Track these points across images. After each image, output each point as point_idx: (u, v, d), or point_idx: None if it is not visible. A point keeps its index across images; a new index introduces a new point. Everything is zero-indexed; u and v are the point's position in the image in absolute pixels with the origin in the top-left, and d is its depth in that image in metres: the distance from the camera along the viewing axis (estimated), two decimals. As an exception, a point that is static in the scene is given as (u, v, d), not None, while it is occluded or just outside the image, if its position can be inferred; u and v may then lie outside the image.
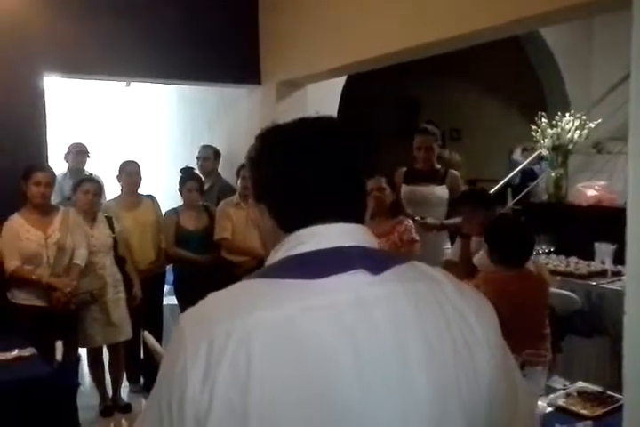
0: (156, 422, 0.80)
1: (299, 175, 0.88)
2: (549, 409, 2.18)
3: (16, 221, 3.50)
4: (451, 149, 6.07)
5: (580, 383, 2.39)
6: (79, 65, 4.23)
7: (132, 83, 6.84)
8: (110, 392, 4.03)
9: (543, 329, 2.67)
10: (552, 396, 2.26)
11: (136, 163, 4.34)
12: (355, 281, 0.81)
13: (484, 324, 0.85)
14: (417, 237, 3.57)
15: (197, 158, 5.14)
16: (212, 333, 0.76)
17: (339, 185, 0.89)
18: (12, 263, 3.42)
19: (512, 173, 6.00)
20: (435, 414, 0.79)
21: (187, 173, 4.55)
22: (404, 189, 4.08)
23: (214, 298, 0.85)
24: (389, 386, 0.77)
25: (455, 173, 4.08)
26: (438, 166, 4.10)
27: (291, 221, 0.88)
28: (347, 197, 0.90)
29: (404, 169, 4.18)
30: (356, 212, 0.91)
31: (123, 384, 4.15)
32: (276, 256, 0.88)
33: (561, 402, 2.21)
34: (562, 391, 2.31)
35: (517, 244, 2.68)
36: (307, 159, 0.88)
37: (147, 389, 4.16)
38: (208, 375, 0.74)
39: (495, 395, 0.84)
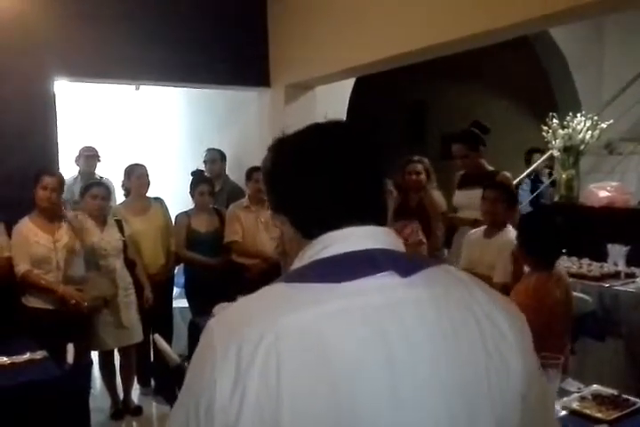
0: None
1: (317, 183, 0.87)
2: (563, 412, 2.15)
3: (25, 224, 3.51)
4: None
5: (595, 386, 2.36)
6: (89, 69, 4.25)
7: (141, 86, 6.87)
8: (121, 395, 4.03)
9: (567, 332, 2.66)
10: (566, 399, 2.23)
11: (143, 165, 4.34)
12: (384, 284, 0.80)
13: (514, 329, 0.84)
14: (424, 239, 3.56)
15: (204, 162, 5.15)
16: (241, 337, 0.75)
17: (359, 189, 0.88)
18: (22, 267, 3.44)
19: (521, 176, 5.97)
20: (466, 424, 0.78)
21: (198, 176, 4.55)
22: (457, 193, 4.13)
23: (243, 302, 0.84)
24: (421, 392, 0.76)
25: (506, 174, 3.99)
26: (490, 168, 4.05)
27: (314, 228, 0.87)
28: (368, 201, 0.89)
29: (461, 173, 4.20)
30: (379, 214, 0.90)
31: (133, 387, 4.15)
32: (302, 261, 0.86)
33: (575, 405, 2.18)
34: (576, 394, 2.28)
35: (550, 244, 2.68)
36: (323, 166, 0.87)
37: (157, 392, 4.16)
38: (238, 382, 0.73)
39: (527, 402, 0.83)
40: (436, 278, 0.85)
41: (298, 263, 0.87)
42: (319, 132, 0.92)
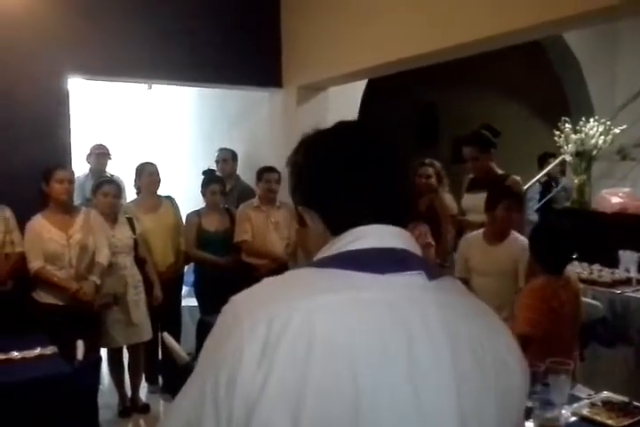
0: (195, 406, 0.76)
1: (350, 178, 0.88)
2: (573, 419, 2.14)
3: (38, 221, 3.53)
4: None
5: (605, 393, 2.34)
6: (102, 67, 4.26)
7: (153, 85, 6.89)
8: (129, 393, 4.05)
9: (575, 337, 2.66)
10: (576, 405, 2.22)
11: (153, 164, 4.36)
12: (413, 282, 0.82)
13: (513, 344, 0.88)
14: (432, 242, 3.55)
15: (216, 161, 5.16)
16: (273, 311, 0.75)
17: (390, 189, 0.90)
18: (35, 263, 3.46)
19: (532, 181, 5.94)
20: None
21: (209, 176, 4.55)
22: (465, 196, 4.10)
23: (270, 282, 0.84)
24: (442, 394, 0.77)
25: (516, 178, 3.94)
26: (500, 172, 4.00)
27: (343, 223, 0.88)
28: (397, 202, 0.91)
29: (470, 176, 4.16)
30: (405, 217, 0.92)
31: (142, 385, 4.16)
32: (329, 252, 0.86)
33: (585, 412, 2.17)
34: (586, 401, 2.27)
35: (558, 249, 2.69)
36: (355, 163, 0.89)
37: (165, 390, 4.17)
38: (265, 355, 0.72)
39: (519, 413, 0.88)
40: (451, 286, 0.88)
41: (324, 252, 0.87)
42: (351, 131, 0.94)
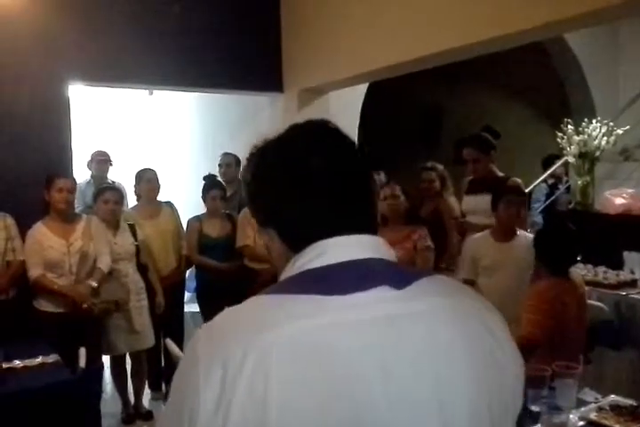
0: None
1: (305, 193, 0.83)
2: (581, 423, 2.11)
3: (38, 229, 3.53)
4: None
5: (613, 397, 2.32)
6: (103, 74, 4.27)
7: (154, 91, 6.90)
8: (132, 400, 4.03)
9: (581, 339, 2.64)
10: (583, 409, 2.19)
11: (152, 170, 4.35)
12: (378, 297, 0.76)
13: (507, 338, 0.83)
14: (432, 245, 3.52)
15: (219, 166, 5.15)
16: (227, 351, 0.72)
17: (349, 197, 0.84)
18: (35, 271, 3.46)
19: (535, 182, 5.92)
20: None
21: (210, 181, 4.54)
22: (465, 199, 4.05)
23: (229, 314, 0.80)
24: (421, 412, 0.73)
25: (516, 180, 3.86)
26: (500, 174, 3.95)
27: (301, 239, 0.83)
28: (359, 209, 0.85)
29: (469, 178, 4.12)
30: (370, 223, 0.86)
31: (145, 392, 4.15)
32: (292, 271, 0.82)
33: (593, 416, 2.15)
34: (593, 405, 2.24)
35: (562, 251, 2.68)
36: (310, 174, 0.82)
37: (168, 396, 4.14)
38: (223, 396, 0.69)
39: (515, 412, 0.83)
40: (431, 290, 0.81)
41: (286, 274, 0.83)
42: (302, 137, 0.87)
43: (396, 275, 0.80)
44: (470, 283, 3.31)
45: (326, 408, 0.69)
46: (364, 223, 0.85)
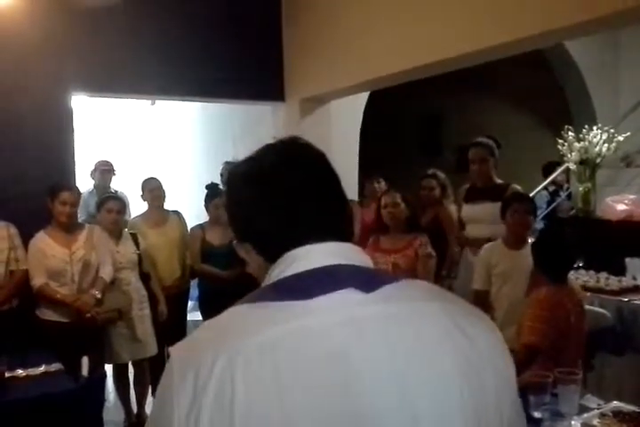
0: None
1: (274, 204, 0.86)
2: (583, 429, 2.11)
3: (41, 238, 3.54)
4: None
5: (615, 403, 2.31)
6: (106, 84, 4.30)
7: (157, 101, 6.94)
8: (135, 408, 4.02)
9: (580, 346, 2.63)
10: (586, 415, 2.18)
11: (156, 179, 4.38)
12: (345, 300, 0.77)
13: (490, 343, 0.81)
14: (433, 253, 3.51)
15: (221, 175, 5.17)
16: (199, 361, 0.74)
17: (316, 208, 0.87)
18: (38, 280, 3.47)
19: (537, 189, 5.92)
20: None
21: (213, 190, 4.56)
22: (464, 208, 3.98)
23: (204, 327, 0.83)
24: (389, 414, 0.73)
25: (516, 187, 3.82)
26: (499, 181, 3.89)
27: (276, 251, 0.86)
28: (327, 219, 0.88)
29: (466, 186, 4.06)
30: (341, 231, 0.88)
31: (147, 400, 4.14)
32: (269, 280, 0.85)
33: (595, 422, 2.14)
34: (596, 411, 2.23)
35: (560, 258, 2.68)
36: (279, 186, 0.87)
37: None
38: (194, 403, 0.71)
39: (502, 416, 0.80)
40: (400, 294, 0.81)
41: (267, 281, 0.86)
42: (271, 153, 0.91)
43: (364, 279, 0.81)
44: (483, 294, 3.31)
45: (288, 418, 0.70)
46: (335, 231, 0.87)
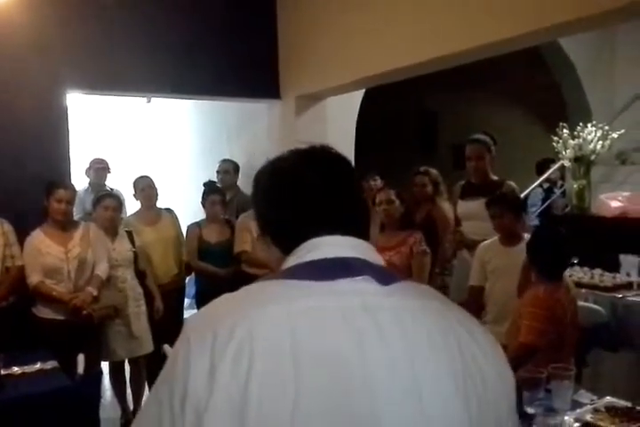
0: (155, 421, 0.77)
1: (297, 200, 0.92)
2: (577, 425, 2.12)
3: (37, 236, 3.54)
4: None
5: (608, 398, 2.32)
6: (101, 82, 4.30)
7: (152, 99, 6.92)
8: (131, 406, 4.03)
9: (573, 343, 2.65)
10: (579, 411, 2.20)
11: (148, 177, 4.37)
12: (363, 287, 0.81)
13: (491, 344, 0.85)
14: (428, 250, 3.52)
15: (217, 172, 5.18)
16: (218, 325, 0.76)
17: (335, 205, 0.92)
18: (34, 278, 3.47)
19: (531, 187, 5.94)
20: None
21: (210, 187, 4.58)
22: (460, 204, 3.99)
23: (220, 298, 0.85)
24: (396, 399, 0.75)
25: (512, 184, 3.82)
26: (494, 178, 3.89)
27: (294, 243, 0.90)
28: (347, 214, 0.93)
29: (462, 183, 4.07)
30: (359, 229, 0.93)
31: (144, 398, 4.14)
32: (284, 267, 0.90)
33: (589, 417, 2.15)
34: (589, 406, 2.24)
35: (556, 256, 2.68)
36: (302, 184, 0.92)
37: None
38: (212, 368, 0.73)
39: (501, 411, 0.82)
40: (411, 290, 0.87)
41: (283, 267, 0.90)
42: (298, 154, 0.97)
43: (380, 273, 0.85)
44: (478, 290, 3.32)
45: (299, 392, 0.72)
46: (352, 228, 0.91)
